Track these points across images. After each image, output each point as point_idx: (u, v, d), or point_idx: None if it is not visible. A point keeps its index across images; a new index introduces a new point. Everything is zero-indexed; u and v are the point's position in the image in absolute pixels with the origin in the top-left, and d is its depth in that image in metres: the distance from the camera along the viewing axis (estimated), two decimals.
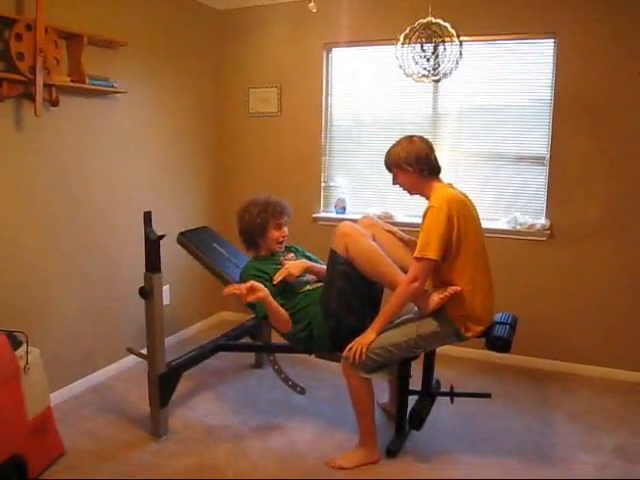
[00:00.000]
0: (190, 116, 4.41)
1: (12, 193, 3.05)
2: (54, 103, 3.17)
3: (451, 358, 3.90)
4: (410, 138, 2.70)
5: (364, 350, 2.56)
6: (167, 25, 4.08)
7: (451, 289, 2.51)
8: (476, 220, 2.65)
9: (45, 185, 3.23)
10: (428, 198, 2.63)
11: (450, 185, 2.69)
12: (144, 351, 2.99)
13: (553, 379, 3.79)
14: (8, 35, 2.87)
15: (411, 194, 2.76)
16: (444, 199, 2.52)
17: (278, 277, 2.87)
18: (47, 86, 3.08)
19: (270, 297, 2.69)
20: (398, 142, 2.71)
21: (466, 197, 2.67)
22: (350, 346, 2.61)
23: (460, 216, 2.51)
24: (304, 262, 3.04)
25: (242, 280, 2.97)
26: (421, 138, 2.71)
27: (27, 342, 2.56)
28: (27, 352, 2.54)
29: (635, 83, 3.56)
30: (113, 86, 3.52)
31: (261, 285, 2.66)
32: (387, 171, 2.76)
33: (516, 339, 2.70)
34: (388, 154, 2.72)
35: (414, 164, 2.62)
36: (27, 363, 2.52)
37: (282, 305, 2.81)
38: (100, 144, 3.58)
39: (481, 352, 3.67)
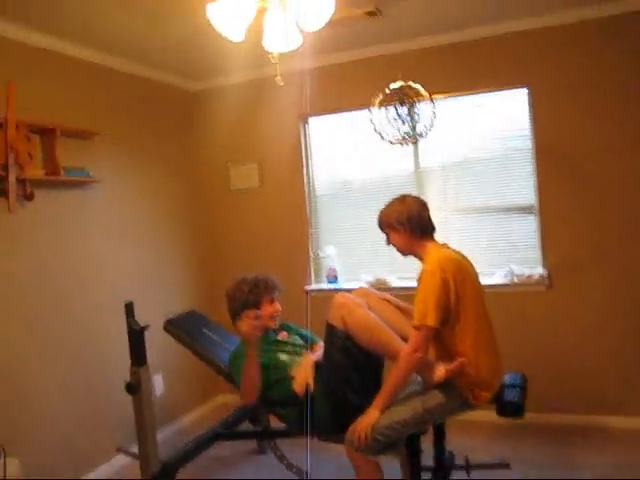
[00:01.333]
0: (170, 198, 4.36)
1: None
2: (29, 197, 3.12)
3: (463, 423, 3.62)
4: (402, 197, 2.64)
5: (369, 432, 2.38)
6: (140, 110, 4.09)
7: (459, 361, 2.37)
8: (474, 279, 2.54)
9: (24, 281, 3.13)
10: (421, 259, 2.54)
11: (445, 245, 2.60)
12: (136, 449, 2.81)
13: (575, 435, 3.58)
14: None
15: (404, 255, 2.66)
16: (437, 261, 2.42)
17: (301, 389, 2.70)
18: (21, 181, 3.04)
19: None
20: (390, 202, 2.65)
21: (462, 256, 2.58)
22: (353, 428, 2.43)
23: (456, 277, 2.40)
24: (310, 358, 2.85)
25: (232, 365, 2.82)
26: (414, 197, 2.65)
27: (4, 454, 2.39)
28: (4, 464, 2.37)
29: (610, 128, 3.57)
30: (89, 176, 3.47)
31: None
32: (380, 231, 2.68)
33: (529, 396, 2.55)
34: (380, 214, 2.65)
35: (405, 224, 2.54)
36: (4, 477, 2.34)
37: (277, 394, 2.66)
38: (79, 235, 3.50)
39: (494, 413, 3.47)
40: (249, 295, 2.93)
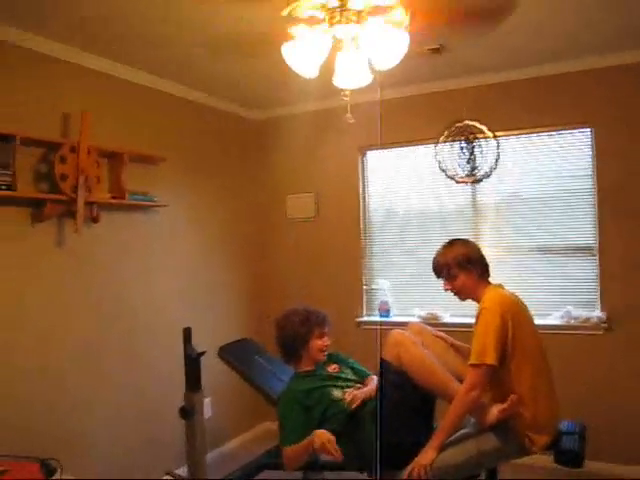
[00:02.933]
0: (229, 225, 4.44)
1: (51, 310, 3.04)
2: (95, 220, 3.22)
3: (516, 466, 3.55)
4: (455, 241, 2.65)
5: (426, 471, 2.34)
6: (205, 138, 4.21)
7: (511, 400, 2.32)
8: (530, 321, 2.52)
9: (83, 300, 3.23)
10: (478, 301, 2.51)
11: (500, 286, 2.58)
12: (183, 470, 2.82)
13: None
14: (53, 158, 2.97)
15: (462, 299, 2.64)
16: (495, 300, 2.42)
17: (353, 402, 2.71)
18: (88, 203, 3.14)
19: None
20: (445, 247, 2.64)
21: (517, 297, 2.55)
22: (410, 468, 2.39)
23: (514, 317, 2.38)
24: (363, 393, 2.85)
25: (282, 406, 2.81)
26: (466, 240, 2.66)
27: (61, 470, 2.43)
28: None
29: None
30: (153, 200, 3.57)
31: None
32: (436, 276, 2.65)
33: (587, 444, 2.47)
34: (437, 259, 2.63)
35: (468, 266, 2.53)
36: None
37: (331, 428, 2.63)
38: (140, 257, 3.59)
39: (549, 457, 3.35)
40: (300, 328, 2.92)
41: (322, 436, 2.52)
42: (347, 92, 2.20)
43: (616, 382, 3.65)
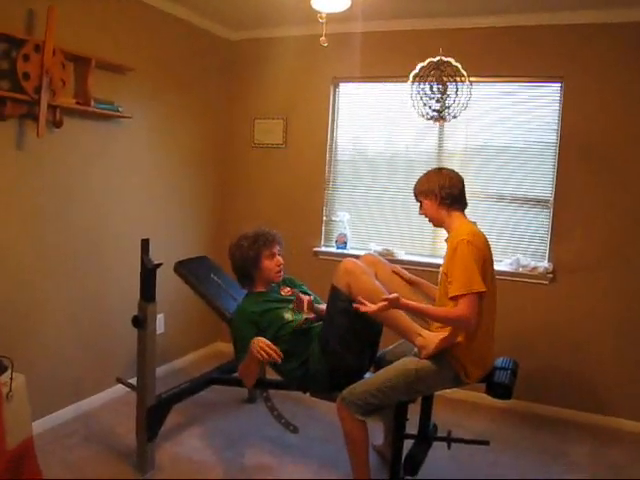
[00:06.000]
0: (194, 144, 4.39)
1: (7, 211, 3.01)
2: (58, 124, 3.15)
3: (450, 400, 3.79)
4: (440, 169, 2.73)
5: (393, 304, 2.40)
6: (177, 53, 4.09)
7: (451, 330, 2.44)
8: (492, 262, 2.60)
9: (42, 205, 3.19)
10: (449, 232, 2.60)
11: (474, 223, 2.65)
12: (134, 381, 2.91)
13: (554, 426, 3.69)
14: (16, 55, 2.86)
15: (435, 225, 2.72)
16: (472, 233, 2.48)
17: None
18: (52, 107, 3.06)
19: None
20: (428, 172, 2.72)
21: (486, 238, 2.61)
22: (352, 387, 2.52)
23: (483, 253, 2.46)
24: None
25: (236, 321, 2.88)
26: (450, 170, 2.71)
27: (12, 367, 2.47)
28: (11, 378, 2.45)
29: (637, 130, 3.57)
30: (118, 110, 3.50)
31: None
32: (415, 200, 2.74)
33: (518, 383, 2.63)
34: (417, 182, 2.72)
35: (437, 192, 2.60)
36: (10, 390, 2.43)
37: (277, 345, 2.72)
38: (101, 167, 3.54)
39: (481, 395, 3.57)
40: (249, 251, 2.96)
41: (259, 342, 2.57)
42: (323, 15, 2.17)
43: (552, 331, 3.84)
